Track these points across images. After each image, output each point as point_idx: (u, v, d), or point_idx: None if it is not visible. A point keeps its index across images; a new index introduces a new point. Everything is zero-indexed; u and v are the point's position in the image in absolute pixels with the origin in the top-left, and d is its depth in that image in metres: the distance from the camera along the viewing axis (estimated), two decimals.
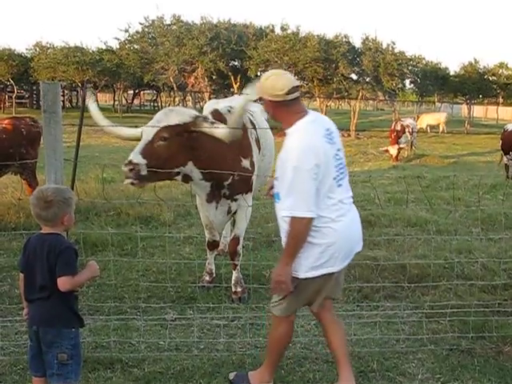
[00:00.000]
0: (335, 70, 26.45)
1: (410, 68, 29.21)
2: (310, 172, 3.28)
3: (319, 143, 3.37)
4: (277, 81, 3.42)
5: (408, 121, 19.30)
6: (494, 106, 44.97)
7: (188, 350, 4.36)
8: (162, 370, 3.97)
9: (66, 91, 46.26)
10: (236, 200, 5.33)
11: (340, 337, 3.83)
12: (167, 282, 5.62)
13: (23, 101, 44.23)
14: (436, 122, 30.33)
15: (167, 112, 4.81)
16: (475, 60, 34.38)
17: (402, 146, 18.30)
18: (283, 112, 3.47)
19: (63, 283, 3.14)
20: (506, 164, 13.50)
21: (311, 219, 3.31)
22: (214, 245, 5.89)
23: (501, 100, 40.34)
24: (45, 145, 3.73)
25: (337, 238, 3.41)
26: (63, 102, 48.29)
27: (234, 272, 5.68)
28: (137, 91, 47.45)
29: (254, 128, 5.57)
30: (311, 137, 3.38)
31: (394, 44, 27.46)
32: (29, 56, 38.42)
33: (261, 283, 5.75)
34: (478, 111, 49.55)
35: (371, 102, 42.93)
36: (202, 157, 4.75)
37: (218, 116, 5.17)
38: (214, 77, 26.61)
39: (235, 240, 5.63)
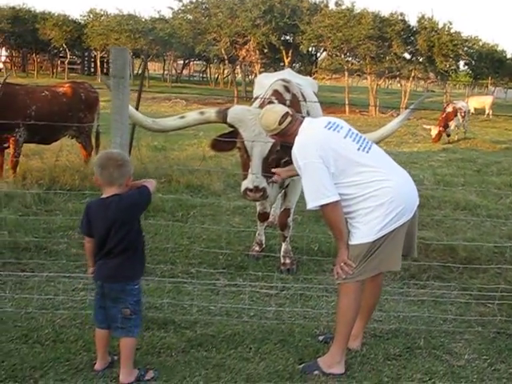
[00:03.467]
0: (388, 48, 26.01)
1: (465, 49, 28.44)
2: (315, 163, 3.54)
3: (320, 134, 3.67)
4: (267, 118, 3.85)
5: (460, 103, 18.83)
6: None
7: (238, 316, 4.47)
8: (214, 334, 4.08)
9: None
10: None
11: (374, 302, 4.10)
12: (218, 250, 5.74)
13: (74, 67, 44.90)
14: (481, 106, 29.51)
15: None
16: None
17: (451, 128, 17.98)
18: (286, 136, 3.84)
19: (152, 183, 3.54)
20: None
21: (334, 202, 3.52)
22: (264, 216, 5.96)
23: None
24: (112, 109, 3.82)
25: (395, 192, 3.55)
26: None
27: (283, 244, 5.76)
28: (187, 61, 47.55)
29: (305, 100, 5.58)
30: (308, 133, 3.70)
31: (450, 24, 26.73)
32: (82, 22, 38.84)
33: (310, 256, 5.84)
34: None
35: (422, 83, 42.04)
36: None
37: (279, 96, 5.18)
38: (265, 50, 26.47)
39: (286, 212, 5.71)
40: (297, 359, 3.83)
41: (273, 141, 4.46)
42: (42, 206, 7.02)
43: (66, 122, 8.02)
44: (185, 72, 52.12)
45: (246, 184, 4.69)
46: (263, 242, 6.04)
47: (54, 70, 40.96)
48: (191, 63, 51.93)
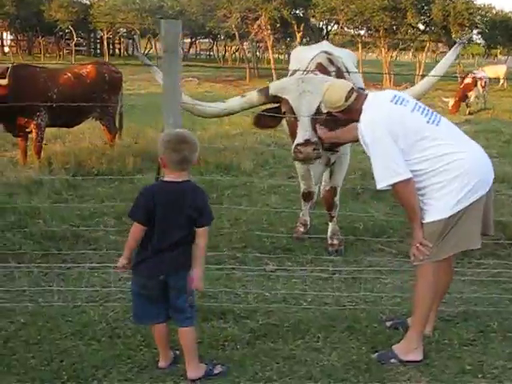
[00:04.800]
0: (402, 19, 25.47)
1: (479, 18, 27.86)
2: (384, 139, 3.35)
3: (387, 109, 3.48)
4: (331, 94, 3.66)
5: (481, 73, 18.39)
6: None
7: (296, 303, 4.24)
8: (276, 323, 3.86)
9: (122, 39, 46.21)
10: (337, 151, 5.13)
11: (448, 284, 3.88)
12: (260, 232, 5.52)
13: (80, 48, 44.40)
14: (495, 75, 28.90)
15: (307, 80, 4.55)
16: None
17: (471, 99, 17.62)
18: (351, 113, 3.63)
19: (205, 233, 3.17)
20: None
21: (407, 179, 3.33)
22: (309, 196, 5.72)
23: None
24: (163, 87, 3.57)
25: (468, 165, 3.36)
26: (119, 50, 48.42)
27: (330, 224, 5.53)
28: (193, 40, 47.01)
29: (348, 72, 5.32)
30: (374, 109, 3.50)
31: None
32: (88, 3, 38.37)
33: (355, 236, 5.61)
34: None
35: (429, 54, 41.40)
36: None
37: (323, 69, 4.95)
38: (277, 25, 25.96)
39: (332, 191, 5.48)
40: (369, 348, 3.61)
41: (320, 98, 4.23)
42: (72, 192, 6.81)
43: (90, 103, 7.77)
44: (191, 51, 51.53)
45: (296, 141, 4.38)
46: (308, 222, 5.81)
47: (60, 53, 40.53)
48: (197, 42, 51.27)
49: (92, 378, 3.18)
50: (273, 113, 4.64)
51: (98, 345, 3.51)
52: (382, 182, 3.39)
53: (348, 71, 5.31)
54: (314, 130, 4.36)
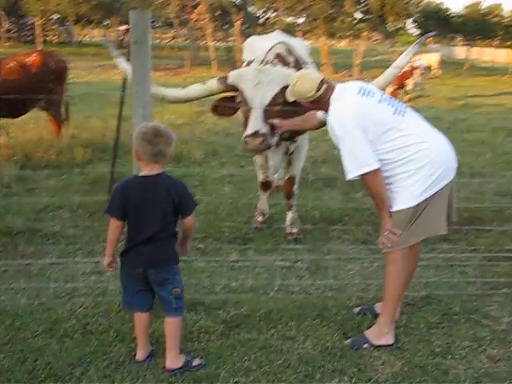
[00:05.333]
0: (340, 8, 25.80)
1: (412, 8, 28.49)
2: (353, 131, 3.42)
3: (356, 102, 3.53)
4: (303, 85, 3.64)
5: (418, 62, 18.79)
6: (489, 49, 44.44)
7: (264, 292, 4.27)
8: (248, 313, 3.88)
9: (54, 26, 44.82)
10: (295, 141, 5.18)
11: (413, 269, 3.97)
12: (219, 222, 5.52)
13: (11, 35, 42.84)
14: (428, 63, 29.62)
15: (264, 71, 4.59)
16: (477, 1, 33.74)
17: (409, 86, 18.02)
18: (320, 103, 3.67)
19: (191, 221, 3.20)
20: None
21: (375, 170, 3.41)
22: (267, 185, 5.75)
23: (497, 42, 39.82)
24: (133, 78, 3.51)
25: (434, 154, 3.47)
26: (52, 36, 46.90)
27: (289, 213, 5.58)
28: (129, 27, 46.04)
29: (305, 62, 5.37)
30: (342, 101, 3.54)
31: None
32: None
33: (313, 224, 5.69)
34: (474, 53, 48.96)
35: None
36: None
37: (282, 60, 5.01)
38: (217, 13, 25.79)
39: (291, 180, 5.52)
40: (341, 334, 3.68)
41: (275, 90, 4.41)
42: (21, 185, 6.61)
43: (35, 93, 7.54)
44: (126, 38, 50.48)
45: (246, 132, 4.42)
46: (266, 212, 5.84)
47: None
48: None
49: (70, 377, 3.12)
50: (232, 101, 4.67)
51: (71, 342, 3.44)
52: (352, 172, 3.45)
53: (305, 61, 5.36)
54: (266, 121, 4.39)
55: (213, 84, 4.64)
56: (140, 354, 3.30)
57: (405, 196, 3.47)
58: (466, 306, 4.17)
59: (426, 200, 3.45)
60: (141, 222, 3.09)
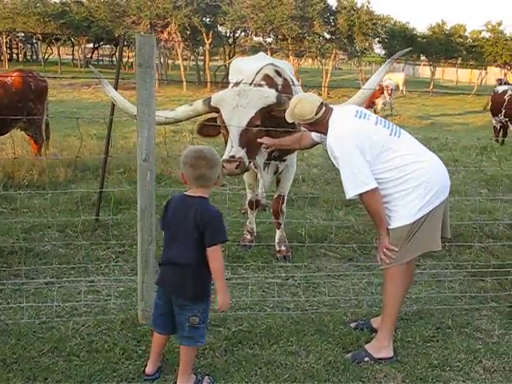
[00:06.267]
0: (310, 28, 26.19)
1: (380, 28, 29.00)
2: (352, 152, 3.54)
3: (354, 124, 3.68)
4: (303, 108, 3.76)
5: (387, 81, 19.18)
6: (452, 68, 45.39)
7: (261, 309, 4.35)
8: (249, 329, 3.96)
9: (19, 44, 44.34)
10: (284, 160, 5.30)
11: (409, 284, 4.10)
12: None
13: None
14: (394, 83, 30.16)
15: (243, 93, 4.63)
16: (442, 21, 34.44)
17: (379, 106, 18.36)
18: (318, 125, 3.81)
19: (213, 254, 3.07)
20: (494, 126, 13.63)
21: (373, 189, 3.54)
22: (256, 204, 5.84)
23: (459, 61, 40.66)
24: (138, 100, 3.58)
25: (430, 173, 3.61)
26: (17, 55, 46.40)
27: (277, 231, 5.67)
28: (97, 45, 45.93)
29: (293, 84, 5.49)
30: (341, 124, 3.68)
31: (369, 3, 27.26)
32: None
33: (299, 242, 5.78)
34: (437, 73, 49.97)
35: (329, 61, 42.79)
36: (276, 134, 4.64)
37: (270, 81, 5.09)
38: (188, 32, 25.88)
39: (279, 199, 5.61)
40: (341, 349, 3.79)
41: (251, 114, 4.51)
42: (5, 205, 6.58)
43: (16, 113, 7.52)
44: (94, 56, 50.28)
45: (224, 156, 4.48)
46: (254, 230, 5.92)
47: None
48: (99, 48, 50.06)
49: None
50: (215, 122, 4.76)
51: (79, 360, 3.47)
52: (352, 191, 3.58)
53: (293, 83, 5.48)
54: (243, 145, 4.48)
55: (199, 105, 4.74)
56: (149, 368, 3.35)
57: (402, 214, 3.61)
58: (457, 319, 4.32)
59: (422, 217, 3.60)
60: (171, 238, 3.16)
